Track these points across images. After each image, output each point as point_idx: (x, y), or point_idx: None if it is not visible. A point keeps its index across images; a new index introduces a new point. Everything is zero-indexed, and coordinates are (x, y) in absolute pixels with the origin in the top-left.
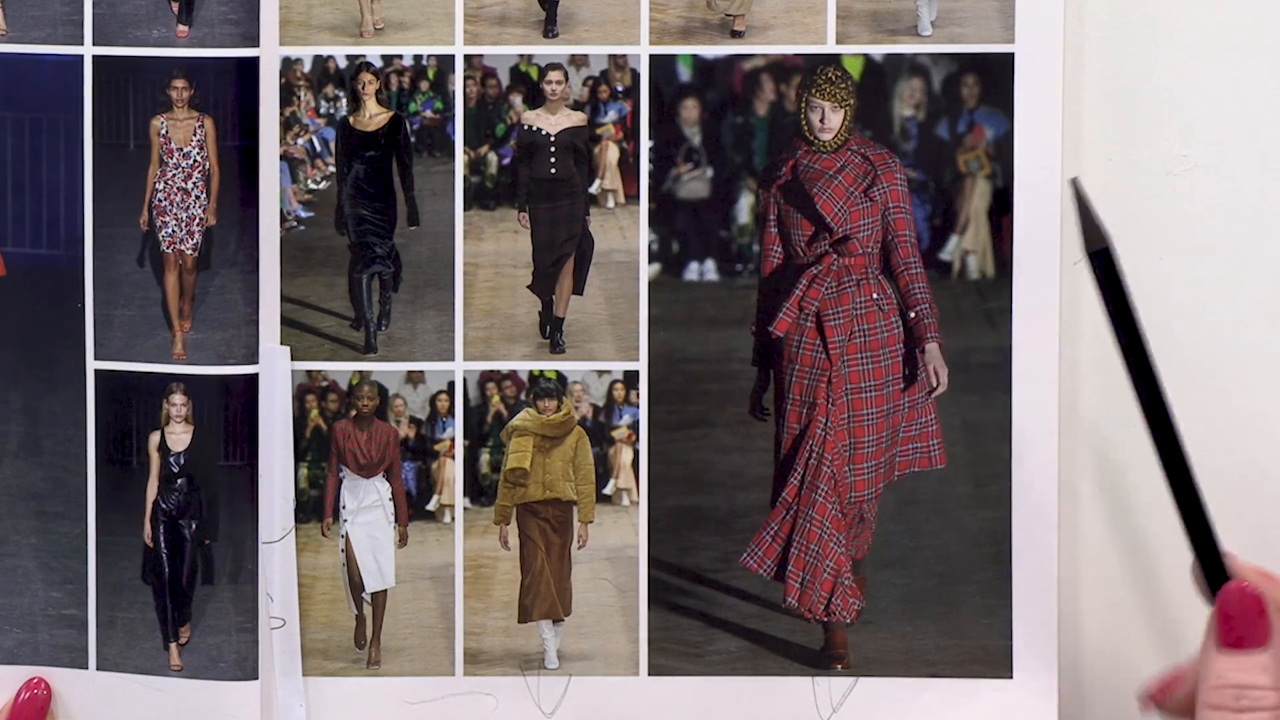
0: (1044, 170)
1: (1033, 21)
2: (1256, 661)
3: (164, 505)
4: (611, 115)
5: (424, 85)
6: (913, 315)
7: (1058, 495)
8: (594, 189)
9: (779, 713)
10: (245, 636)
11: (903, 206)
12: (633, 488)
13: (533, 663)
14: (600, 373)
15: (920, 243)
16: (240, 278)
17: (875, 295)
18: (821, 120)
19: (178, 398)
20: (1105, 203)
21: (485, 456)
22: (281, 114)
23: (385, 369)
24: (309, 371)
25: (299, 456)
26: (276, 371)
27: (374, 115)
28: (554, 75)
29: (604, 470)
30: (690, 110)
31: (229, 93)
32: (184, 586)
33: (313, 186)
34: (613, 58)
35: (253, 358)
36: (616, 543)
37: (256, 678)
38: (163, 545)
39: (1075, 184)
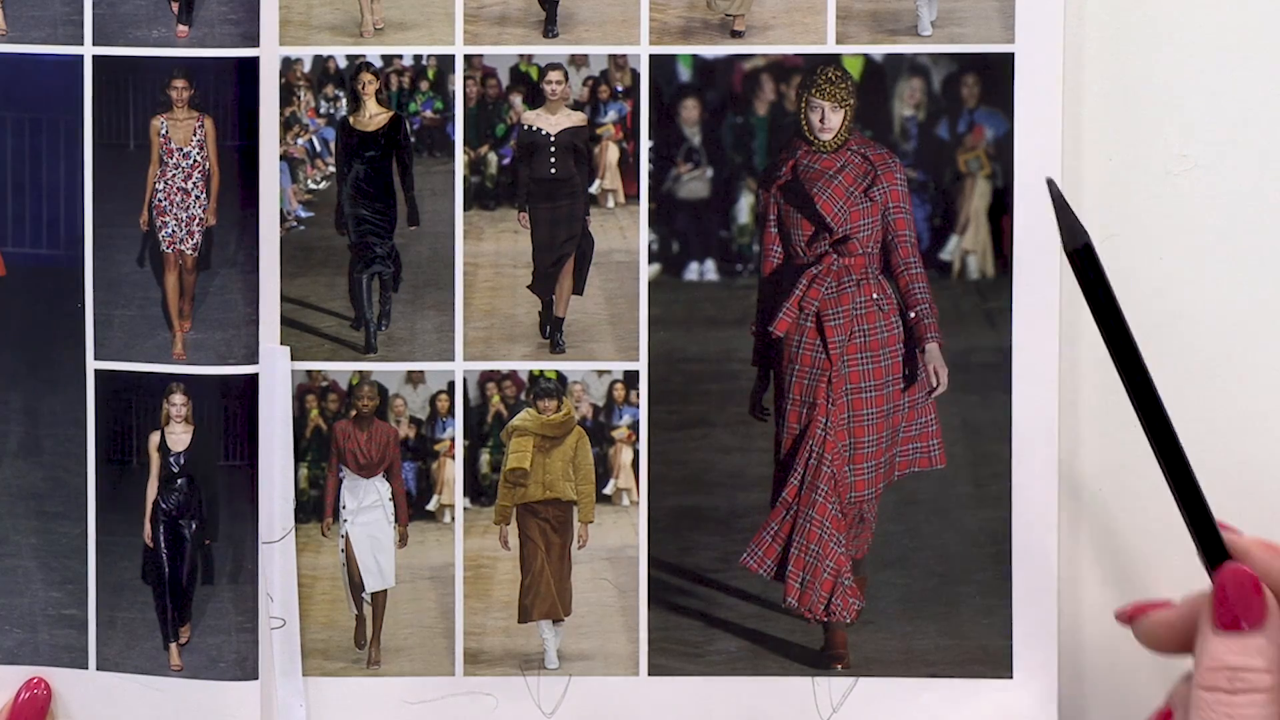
0: (1044, 170)
1: (1033, 21)
2: (1252, 643)
3: (164, 505)
4: (611, 115)
5: (424, 85)
6: (913, 315)
7: (1058, 495)
8: (594, 189)
9: (779, 713)
10: (245, 636)
11: (903, 206)
12: (633, 488)
13: (533, 663)
14: (600, 373)
15: (920, 243)
16: (240, 278)
17: (875, 295)
18: (821, 120)
19: (178, 398)
20: (1105, 203)
21: (485, 456)
22: (281, 114)
23: (385, 369)
24: (309, 371)
25: (299, 456)
26: (276, 371)
27: (374, 115)
28: (554, 75)
29: (604, 470)
30: (690, 110)
31: (229, 93)
32: (184, 586)
33: (313, 186)
34: (613, 58)
35: (253, 358)
36: (616, 543)
37: (256, 678)
38: (163, 545)
39: (1051, 184)
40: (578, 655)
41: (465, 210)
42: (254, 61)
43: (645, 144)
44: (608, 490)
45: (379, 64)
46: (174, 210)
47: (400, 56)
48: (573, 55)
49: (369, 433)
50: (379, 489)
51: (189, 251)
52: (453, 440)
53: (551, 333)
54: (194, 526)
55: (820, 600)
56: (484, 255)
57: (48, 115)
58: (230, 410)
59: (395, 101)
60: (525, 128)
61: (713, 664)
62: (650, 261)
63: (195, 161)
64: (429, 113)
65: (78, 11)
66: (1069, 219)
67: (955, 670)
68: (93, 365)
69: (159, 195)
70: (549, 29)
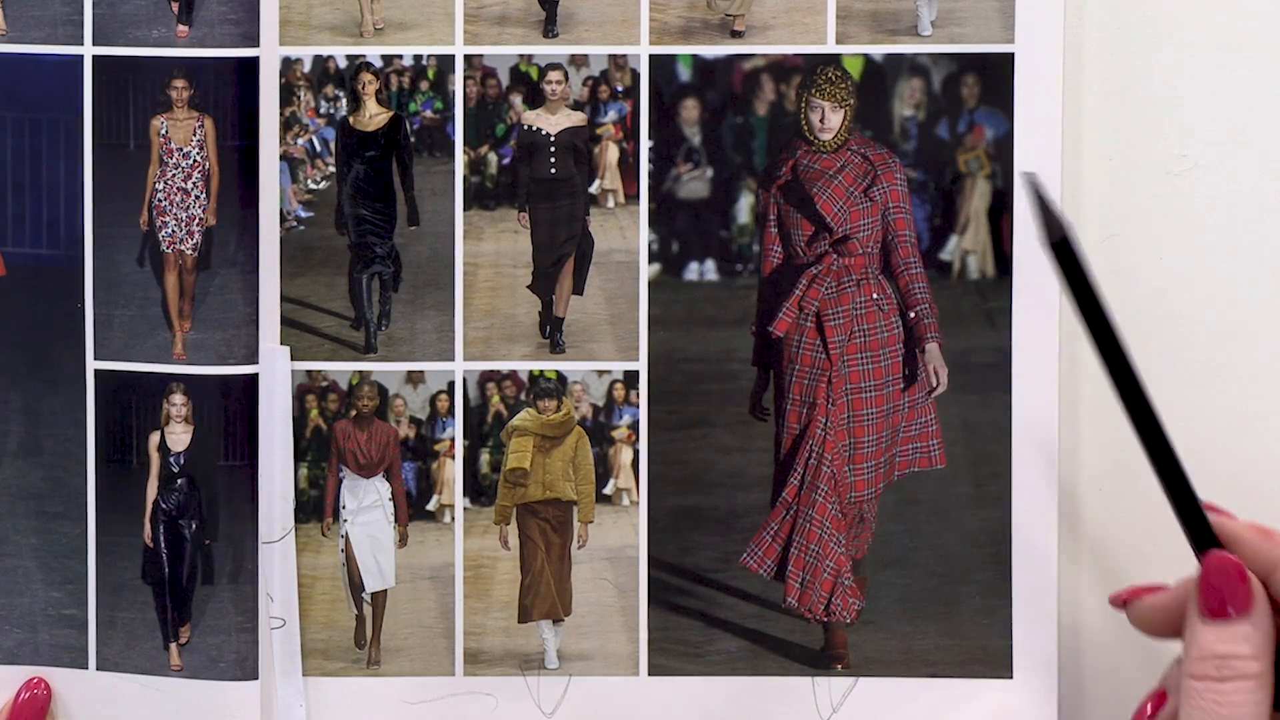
0: (1044, 170)
1: (1033, 21)
2: (1238, 631)
3: (164, 505)
4: (611, 115)
5: (424, 85)
6: (913, 315)
7: (1058, 495)
8: (594, 189)
9: (779, 713)
10: (245, 636)
11: (903, 206)
12: (633, 488)
13: (533, 663)
14: (600, 373)
15: (920, 243)
16: (240, 278)
17: (875, 295)
18: (821, 120)
19: (178, 398)
20: (1105, 203)
21: (485, 456)
22: (281, 114)
23: (385, 369)
24: (309, 371)
25: (299, 456)
26: (276, 371)
27: (374, 115)
28: (554, 75)
29: (604, 470)
30: (690, 110)
31: (229, 93)
32: (184, 586)
33: (313, 186)
34: (613, 58)
35: (253, 358)
36: (616, 543)
37: (256, 678)
38: (163, 545)
39: (1029, 177)
40: (578, 655)
41: (465, 210)
42: (254, 61)
43: (645, 144)
44: (608, 490)
45: (379, 64)
46: (174, 210)
47: (400, 56)
48: (573, 55)
49: (369, 433)
50: (379, 489)
51: (189, 251)
52: (453, 440)
53: (551, 333)
54: (194, 526)
55: (820, 600)
56: (484, 255)
57: (48, 115)
58: (230, 410)
59: (395, 101)
60: (525, 128)
61: (713, 664)
62: (650, 261)
63: (195, 161)
64: (429, 113)
65: (78, 11)
66: (1048, 212)
67: (955, 670)
68: (93, 365)
69: (159, 195)
70: (549, 29)
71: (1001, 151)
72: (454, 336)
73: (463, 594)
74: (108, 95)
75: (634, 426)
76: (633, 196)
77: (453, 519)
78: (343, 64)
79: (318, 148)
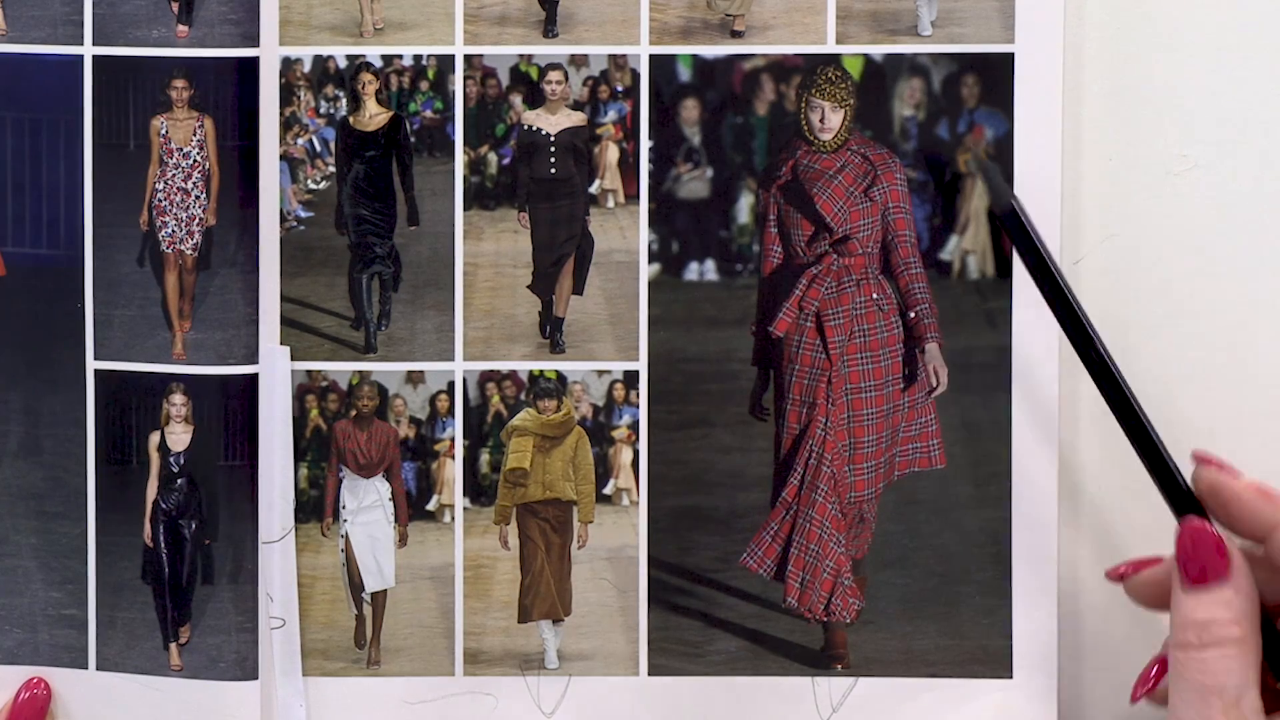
0: (1044, 170)
1: (1033, 21)
2: (1218, 596)
3: (164, 505)
4: (611, 115)
5: (424, 85)
6: (913, 315)
7: (1058, 495)
8: (594, 189)
9: (779, 713)
10: (245, 636)
11: (903, 206)
12: (633, 488)
13: (533, 663)
14: (600, 373)
15: (920, 243)
16: (240, 278)
17: (875, 295)
18: (821, 120)
19: (178, 398)
20: (1105, 203)
21: (485, 456)
22: (281, 114)
23: (385, 369)
24: (309, 371)
25: (299, 456)
26: (276, 371)
27: (374, 115)
28: (554, 75)
29: (604, 470)
30: (690, 110)
31: (229, 93)
32: (184, 586)
33: (313, 186)
34: (613, 58)
35: (253, 358)
36: (616, 543)
37: (256, 678)
38: (163, 545)
39: (976, 155)
40: (578, 655)
41: (465, 210)
42: (254, 61)
43: (645, 144)
44: (608, 490)
45: (379, 64)
46: (174, 210)
47: (400, 56)
48: (573, 55)
49: (369, 433)
50: (379, 489)
51: (189, 251)
52: (453, 440)
53: (551, 333)
54: (194, 526)
55: (820, 600)
56: (484, 255)
57: (48, 115)
58: (230, 410)
59: (395, 101)
60: (525, 128)
61: (713, 664)
62: (650, 261)
63: (195, 161)
64: (429, 113)
65: (78, 11)
66: (996, 182)
67: (955, 670)
68: (93, 365)
69: (159, 195)
70: (549, 29)
71: (1001, 151)
72: (454, 336)
73: (463, 594)
74: (108, 95)
75: (634, 426)
76: (633, 196)
77: (453, 519)
78: (343, 64)
79: (318, 148)
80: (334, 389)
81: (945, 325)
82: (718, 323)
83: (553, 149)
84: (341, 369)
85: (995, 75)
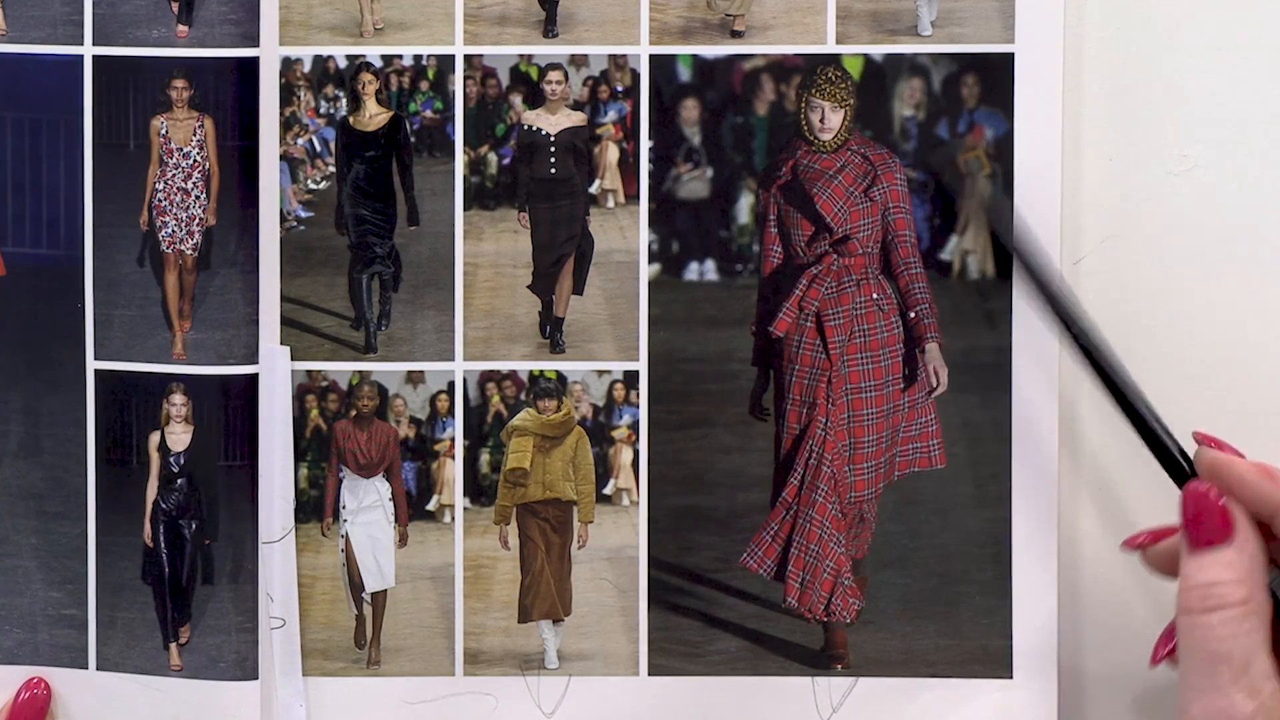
0: (1044, 170)
1: (1033, 21)
2: (1221, 558)
3: (164, 505)
4: (611, 115)
5: (424, 85)
6: (913, 315)
7: (1058, 495)
8: (594, 189)
9: (779, 713)
10: (245, 636)
11: (903, 206)
12: (633, 488)
13: (533, 663)
14: (600, 373)
15: (920, 243)
16: (240, 278)
17: (875, 295)
18: (821, 120)
19: (178, 398)
20: (1105, 203)
21: (485, 456)
22: (281, 114)
23: (385, 369)
24: (309, 371)
25: (299, 456)
26: (276, 371)
27: (374, 115)
28: (554, 75)
29: (604, 470)
30: (690, 110)
31: (229, 93)
32: (184, 586)
33: (313, 186)
34: (613, 58)
35: (253, 358)
36: (616, 543)
37: (256, 678)
38: (163, 545)
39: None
40: (578, 655)
41: (465, 210)
42: (254, 61)
43: (645, 144)
44: (608, 490)
45: (379, 64)
46: (174, 210)
47: (400, 56)
48: (573, 55)
49: (369, 433)
50: (379, 489)
51: (189, 251)
52: (453, 440)
53: (551, 333)
54: (194, 526)
55: (820, 600)
56: (484, 255)
57: (48, 115)
58: (230, 410)
59: (395, 101)
60: (525, 128)
61: (713, 664)
62: (650, 261)
63: (195, 161)
64: (429, 113)
65: (78, 11)
66: (1005, 224)
67: (955, 670)
68: (93, 365)
69: (159, 195)
70: (549, 29)
71: (1001, 151)
72: (454, 336)
73: (463, 594)
74: (108, 95)
75: (634, 426)
76: (633, 196)
77: (453, 519)
78: (343, 64)
79: (318, 148)
80: (334, 389)
81: (945, 325)
82: (718, 323)
83: (553, 149)
84: (341, 369)
85: (995, 75)
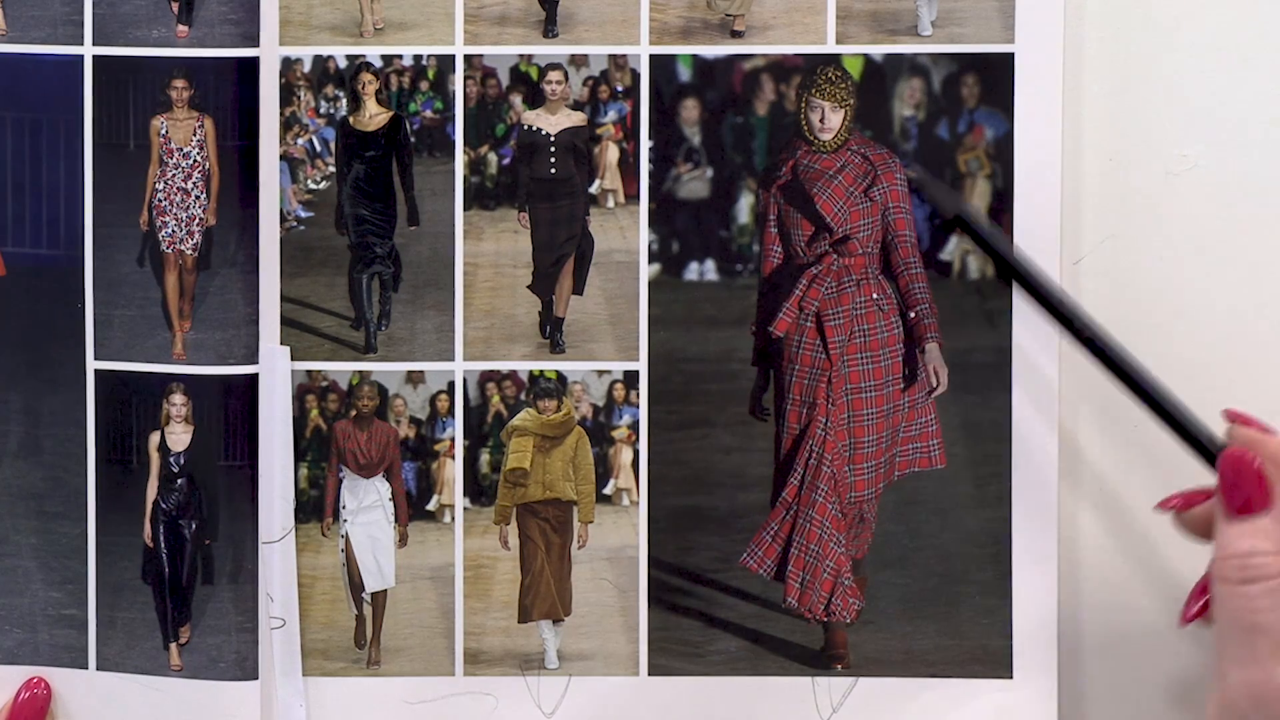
0: (1044, 170)
1: (1033, 21)
2: (1259, 526)
3: (164, 505)
4: (611, 115)
5: (424, 85)
6: (913, 315)
7: (1058, 495)
8: (594, 189)
9: (779, 713)
10: (245, 636)
11: (903, 206)
12: (633, 488)
13: (533, 663)
14: (600, 373)
15: (920, 243)
16: (240, 278)
17: (875, 295)
18: (821, 120)
19: (178, 398)
20: (1105, 203)
21: (485, 456)
22: (281, 114)
23: (385, 369)
24: (309, 371)
25: (299, 456)
26: (276, 371)
27: (374, 115)
28: (554, 75)
29: (604, 470)
30: (690, 110)
31: (229, 93)
32: (184, 586)
33: (313, 186)
34: (613, 58)
35: (253, 358)
36: (616, 543)
37: (256, 678)
38: (163, 545)
39: (911, 168)
40: (578, 655)
41: (465, 210)
42: (254, 61)
43: (645, 144)
44: (608, 490)
45: (379, 64)
46: (174, 210)
47: (400, 56)
48: (573, 55)
49: (369, 433)
50: (379, 489)
51: (189, 251)
52: (453, 440)
53: (551, 333)
54: (194, 526)
55: (820, 600)
56: (484, 255)
57: (48, 115)
58: (230, 410)
59: (395, 101)
60: (525, 128)
61: (713, 664)
62: (650, 261)
63: (195, 161)
64: (429, 113)
65: (78, 11)
66: (939, 192)
67: (955, 670)
68: (93, 365)
69: (159, 195)
70: (549, 29)
71: (1001, 151)
72: (454, 336)
73: (463, 594)
74: (108, 95)
75: (634, 426)
76: (633, 196)
77: (453, 519)
78: (343, 64)
79: (318, 148)
80: (334, 389)
81: (945, 325)
82: (718, 323)
83: (553, 149)
84: (341, 369)
85: (995, 75)
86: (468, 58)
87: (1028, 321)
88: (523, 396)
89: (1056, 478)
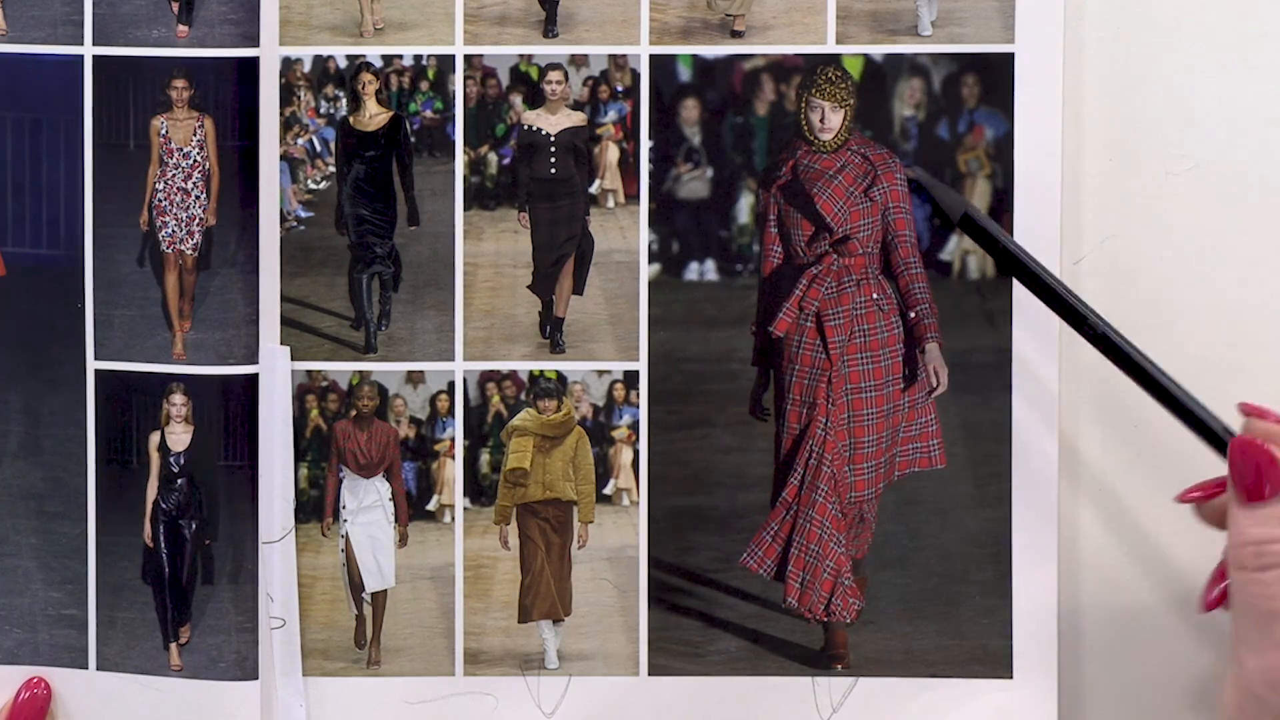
0: (1044, 170)
1: (1033, 21)
2: (1273, 513)
3: (164, 505)
4: (611, 115)
5: (424, 85)
6: (913, 315)
7: (1058, 495)
8: (594, 189)
9: (779, 713)
10: (245, 636)
11: (903, 206)
12: (633, 488)
13: (533, 663)
14: (600, 373)
15: (920, 243)
16: (240, 278)
17: (875, 295)
18: (821, 120)
19: (178, 398)
20: (1105, 203)
21: (485, 456)
22: (281, 114)
23: (385, 369)
24: (309, 371)
25: (299, 456)
26: (276, 371)
27: (374, 115)
28: (554, 75)
29: (604, 470)
30: (690, 110)
31: (229, 93)
32: (184, 586)
33: (313, 186)
34: (613, 58)
35: (253, 358)
36: (616, 543)
37: (256, 678)
38: (163, 545)
39: (913, 172)
40: (578, 655)
41: (465, 210)
42: (254, 61)
43: (645, 144)
44: (608, 490)
45: (379, 64)
46: (174, 210)
47: (400, 56)
48: (573, 55)
49: (369, 433)
50: (379, 489)
51: (189, 251)
52: (453, 440)
53: (551, 333)
54: (194, 526)
55: (820, 600)
56: (484, 255)
57: (48, 115)
58: (230, 410)
59: (395, 101)
60: (525, 128)
61: (713, 664)
62: (650, 261)
63: (195, 161)
64: (429, 113)
65: (78, 11)
66: (944, 195)
67: (955, 670)
68: (93, 365)
69: (159, 195)
70: (549, 29)
71: (1001, 151)
72: (454, 336)
73: (463, 594)
74: (108, 95)
75: (634, 426)
76: (633, 196)
77: (453, 519)
78: (343, 64)
79: (318, 148)
80: (334, 389)
81: (945, 325)
82: (718, 323)
83: (553, 149)
84: (341, 369)
85: (995, 75)
86: (468, 58)
87: (1028, 321)
88: (523, 396)
89: (1056, 478)
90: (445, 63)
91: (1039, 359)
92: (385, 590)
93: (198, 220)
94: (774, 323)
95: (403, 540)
